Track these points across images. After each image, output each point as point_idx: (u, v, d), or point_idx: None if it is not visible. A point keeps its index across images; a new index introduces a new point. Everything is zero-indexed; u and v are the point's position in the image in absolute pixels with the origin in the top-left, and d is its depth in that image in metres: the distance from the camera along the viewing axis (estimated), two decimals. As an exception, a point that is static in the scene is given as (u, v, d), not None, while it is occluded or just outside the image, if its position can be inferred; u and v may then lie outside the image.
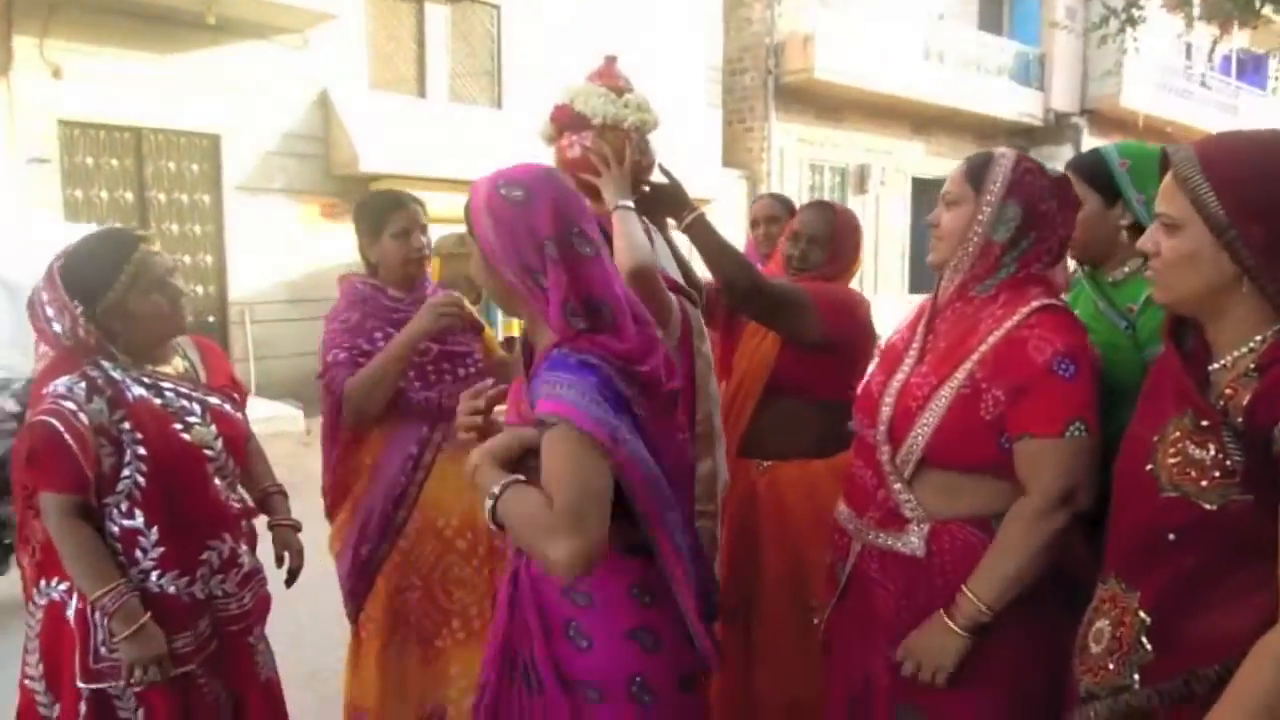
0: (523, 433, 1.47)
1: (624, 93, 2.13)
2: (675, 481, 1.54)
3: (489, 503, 1.42)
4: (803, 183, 14.42)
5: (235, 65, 8.91)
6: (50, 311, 1.89)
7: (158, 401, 1.94)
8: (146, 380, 1.95)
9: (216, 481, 2.01)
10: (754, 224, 3.43)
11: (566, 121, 2.12)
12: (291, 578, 2.25)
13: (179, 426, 1.95)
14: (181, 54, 8.62)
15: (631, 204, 2.04)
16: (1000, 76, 16.49)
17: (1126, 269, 1.95)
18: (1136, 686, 1.32)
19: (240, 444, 2.12)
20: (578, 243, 1.48)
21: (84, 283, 1.89)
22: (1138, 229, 1.94)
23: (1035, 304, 1.65)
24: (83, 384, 1.86)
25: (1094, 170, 1.92)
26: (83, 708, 1.84)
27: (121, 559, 1.87)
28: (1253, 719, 1.16)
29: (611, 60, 2.22)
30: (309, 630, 3.57)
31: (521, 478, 1.44)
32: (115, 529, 1.87)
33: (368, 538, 2.42)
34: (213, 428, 2.01)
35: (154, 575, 1.89)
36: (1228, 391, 1.27)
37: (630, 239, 1.94)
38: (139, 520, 1.88)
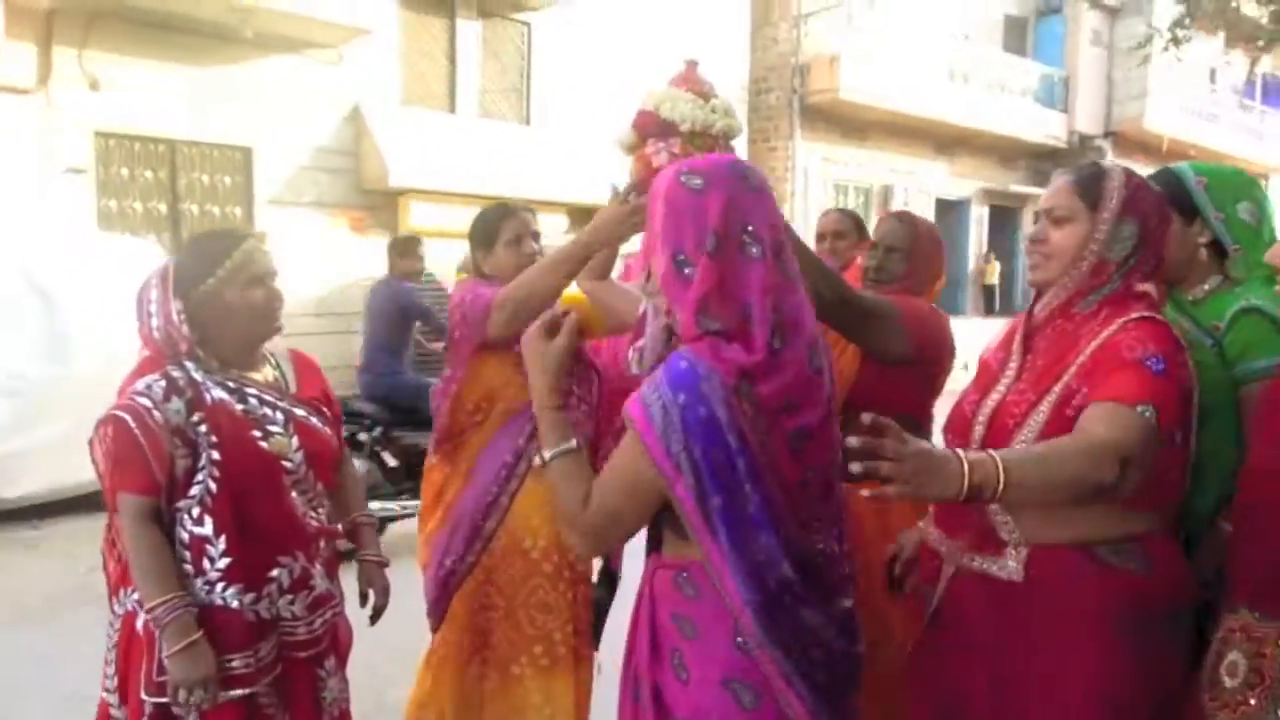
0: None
1: (709, 98, 2.05)
2: (781, 523, 1.39)
3: (544, 454, 1.48)
4: (826, 202, 14.40)
5: (269, 79, 8.97)
6: (152, 306, 1.86)
7: (239, 407, 1.88)
8: (231, 384, 1.90)
9: (293, 495, 1.92)
10: (820, 238, 3.34)
11: (652, 128, 2.04)
12: (375, 616, 2.17)
13: (258, 434, 1.88)
14: (216, 67, 8.68)
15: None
16: (1024, 98, 16.46)
17: (1207, 287, 1.93)
18: None
19: (326, 460, 2.03)
20: (747, 241, 1.42)
21: (187, 274, 1.87)
22: (1216, 247, 1.92)
23: (1136, 314, 1.60)
24: (162, 383, 1.81)
25: (1170, 188, 1.89)
26: None
27: (189, 568, 1.81)
28: None
29: (693, 65, 2.13)
30: (379, 663, 3.23)
31: (574, 445, 1.47)
32: (185, 535, 1.82)
33: (454, 548, 2.36)
34: (294, 439, 1.94)
35: (219, 587, 1.81)
36: None
37: None
38: (208, 528, 1.81)
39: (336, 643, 2.07)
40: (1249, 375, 1.81)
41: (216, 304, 1.88)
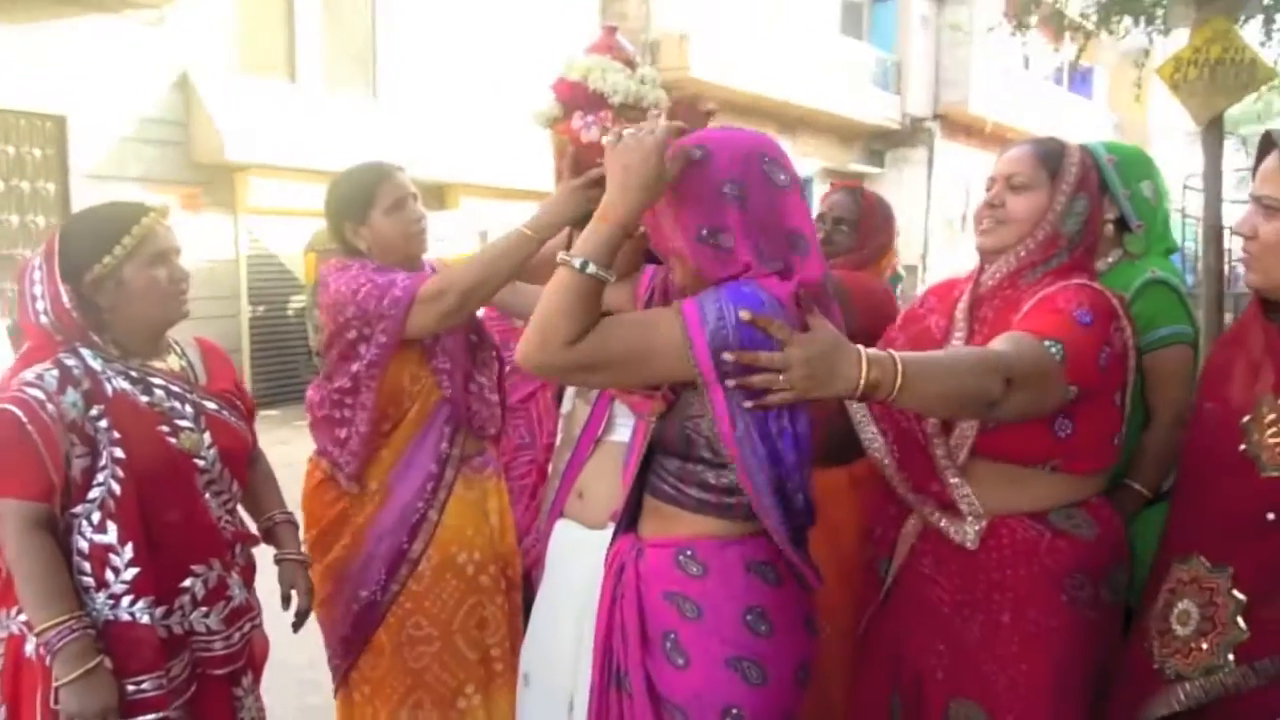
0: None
1: (634, 66, 1.93)
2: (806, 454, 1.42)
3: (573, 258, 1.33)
4: (679, 180, 14.55)
5: (83, 41, 8.15)
6: (37, 289, 1.63)
7: (144, 399, 1.69)
8: (133, 374, 1.70)
9: (207, 497, 1.76)
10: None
11: (580, 100, 1.89)
12: (300, 620, 1.99)
13: (166, 429, 1.70)
14: (22, 26, 7.80)
15: None
16: (861, 80, 17.14)
17: (1110, 260, 2.02)
18: (1231, 666, 1.33)
19: (241, 458, 1.87)
20: (770, 170, 1.41)
21: (78, 250, 1.66)
22: (1118, 222, 2.01)
23: (1076, 280, 1.66)
24: (55, 372, 1.60)
25: None
26: None
27: (89, 580, 1.62)
28: None
29: (611, 30, 1.99)
30: (300, 665, 2.99)
31: (610, 277, 1.35)
32: (84, 545, 1.62)
33: (372, 577, 2.06)
34: (206, 435, 1.76)
35: (125, 601, 1.63)
36: None
37: None
38: (111, 535, 1.62)
39: (253, 657, 1.89)
40: (1155, 343, 1.91)
41: (114, 284, 1.68)
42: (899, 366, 1.31)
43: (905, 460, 1.74)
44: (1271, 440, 1.33)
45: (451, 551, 2.11)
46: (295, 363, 10.04)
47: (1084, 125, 20.85)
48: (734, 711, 1.37)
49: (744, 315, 1.30)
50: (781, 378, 1.28)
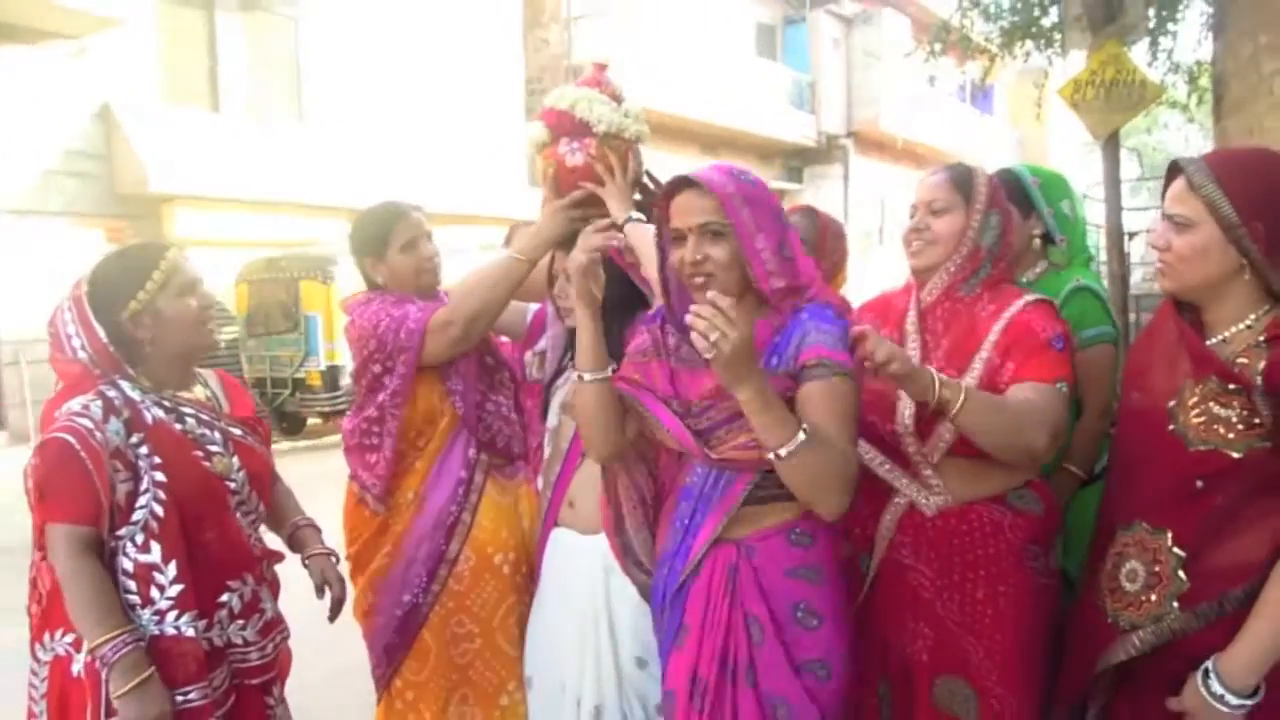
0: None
1: (620, 101, 2.04)
2: None
3: (778, 454, 1.48)
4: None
5: (1, 73, 7.98)
6: (70, 329, 1.72)
7: (178, 427, 1.78)
8: (166, 404, 1.80)
9: (238, 516, 1.85)
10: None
11: (566, 128, 2.00)
12: (336, 608, 2.06)
13: (200, 454, 1.79)
14: (-66, 59, 7.63)
15: (641, 217, 2.03)
16: (778, 101, 17.65)
17: (1037, 270, 2.27)
18: (1176, 613, 1.54)
19: (265, 480, 1.97)
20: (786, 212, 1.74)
21: (112, 290, 1.75)
22: (1044, 237, 2.26)
23: (1028, 298, 1.88)
24: (99, 402, 1.68)
25: (1010, 186, 2.20)
26: None
27: (134, 598, 1.69)
28: None
29: (602, 67, 2.10)
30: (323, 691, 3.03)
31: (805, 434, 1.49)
32: (129, 565, 1.69)
33: (414, 580, 2.13)
34: (235, 459, 1.87)
35: (171, 616, 1.70)
36: (1242, 360, 1.52)
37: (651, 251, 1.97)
38: (155, 554, 1.70)
39: (281, 668, 1.98)
40: (1083, 343, 2.16)
41: (151, 317, 1.78)
42: (964, 391, 1.63)
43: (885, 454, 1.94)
44: (1195, 420, 1.52)
45: (488, 553, 2.18)
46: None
47: (987, 140, 21.82)
48: (854, 649, 1.70)
49: (854, 331, 1.61)
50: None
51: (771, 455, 1.49)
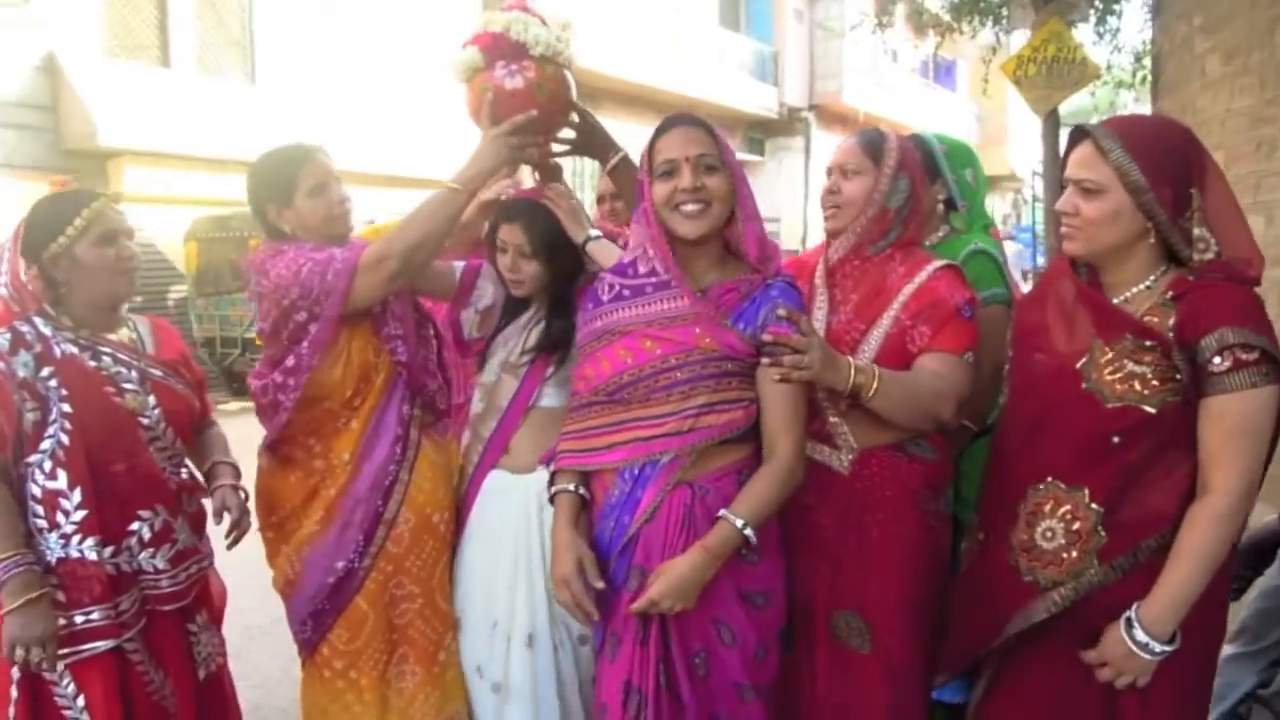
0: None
1: (545, 25, 1.96)
2: None
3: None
4: (567, 168, 14.67)
5: (-62, 21, 7.79)
6: (3, 266, 1.84)
7: (92, 363, 1.88)
8: (83, 341, 1.89)
9: (151, 451, 1.94)
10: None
11: (501, 50, 1.91)
12: (237, 534, 2.08)
13: (112, 390, 1.88)
14: None
15: (601, 234, 2.08)
16: (739, 71, 17.64)
17: (940, 234, 2.36)
18: (1096, 566, 1.62)
19: (184, 420, 2.05)
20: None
21: (38, 231, 1.86)
22: (947, 203, 2.36)
23: (938, 263, 1.98)
24: (8, 335, 1.79)
25: (917, 152, 2.29)
26: (13, 691, 1.76)
27: (42, 522, 1.79)
28: (1198, 569, 1.52)
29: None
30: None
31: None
32: (37, 490, 1.79)
33: (347, 546, 2.03)
34: (151, 398, 1.95)
35: (75, 540, 1.80)
36: (1150, 319, 1.60)
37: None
38: (61, 481, 1.80)
39: (208, 599, 2.09)
40: (980, 303, 2.26)
41: (67, 261, 1.87)
42: (877, 376, 1.73)
43: None
44: (1110, 378, 1.58)
45: (427, 513, 2.11)
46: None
47: (947, 115, 21.99)
48: (787, 578, 1.85)
49: (780, 312, 1.65)
50: (804, 359, 1.61)
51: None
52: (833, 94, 19.12)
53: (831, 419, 1.96)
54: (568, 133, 2.13)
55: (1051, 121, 6.29)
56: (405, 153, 10.91)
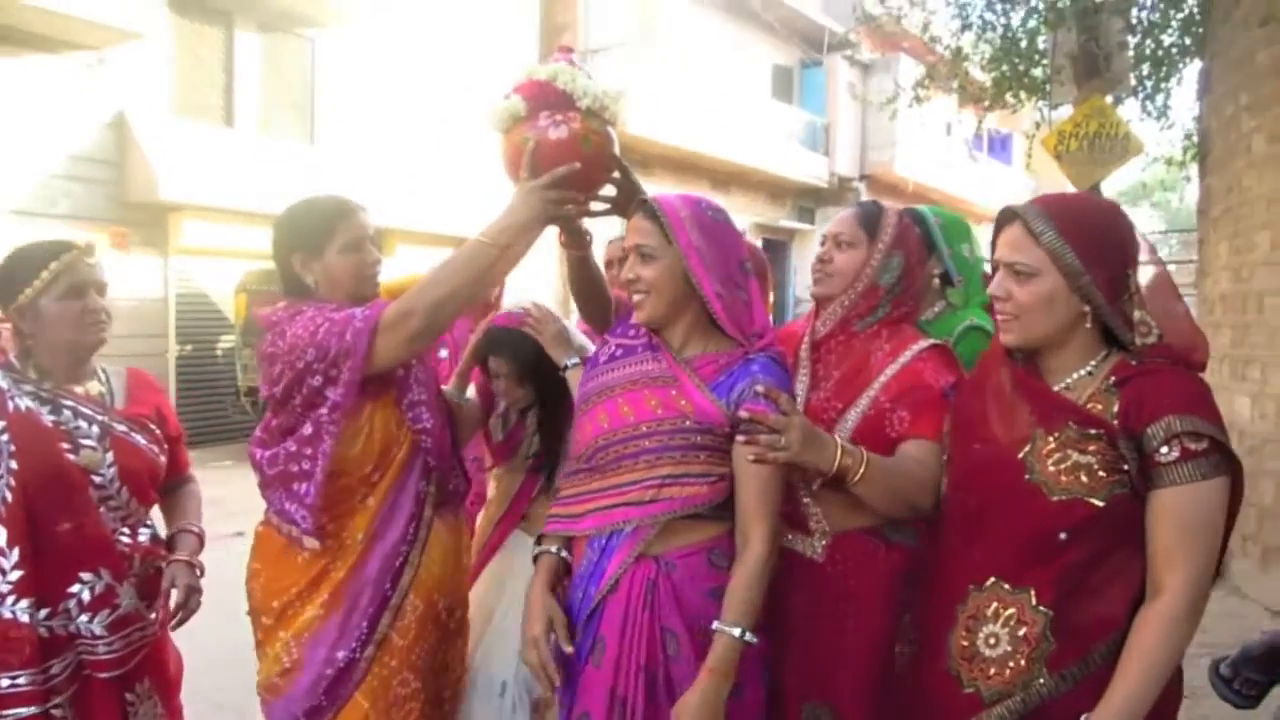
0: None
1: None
2: None
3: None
4: (613, 233, 14.85)
5: (18, 79, 8.20)
6: None
7: (49, 418, 1.85)
8: (44, 394, 1.87)
9: (101, 510, 1.88)
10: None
11: (549, 99, 1.81)
12: (183, 615, 1.98)
13: (66, 446, 1.84)
14: (-47, 63, 7.86)
15: (579, 361, 2.06)
16: (791, 141, 17.79)
17: (936, 309, 2.31)
18: (1046, 676, 1.47)
19: (143, 478, 1.97)
20: (746, 262, 1.81)
21: (6, 282, 1.87)
22: (943, 278, 2.31)
23: (925, 343, 1.91)
24: None
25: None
26: None
27: None
28: (1151, 678, 1.39)
29: (567, 49, 1.94)
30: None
31: None
32: None
33: (350, 635, 1.84)
34: (109, 455, 1.90)
35: (9, 601, 1.75)
36: (1094, 406, 1.50)
37: None
38: (0, 539, 1.75)
39: (155, 667, 1.99)
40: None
41: (32, 313, 1.87)
42: (865, 461, 1.65)
43: None
44: (1053, 469, 1.47)
45: (434, 599, 1.96)
46: (222, 402, 10.02)
47: (1001, 188, 21.86)
48: (766, 667, 1.75)
49: (759, 389, 1.63)
50: (782, 440, 1.55)
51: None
52: (884, 164, 19.17)
53: (804, 500, 1.88)
54: (607, 190, 2.03)
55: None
56: (457, 212, 11.15)
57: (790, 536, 1.90)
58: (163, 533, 2.11)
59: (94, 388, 1.98)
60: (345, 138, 10.91)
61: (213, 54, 9.94)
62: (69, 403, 1.89)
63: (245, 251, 9.49)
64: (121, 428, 1.95)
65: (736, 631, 1.61)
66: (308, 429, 1.80)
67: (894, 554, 1.85)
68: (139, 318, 8.85)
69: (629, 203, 2.00)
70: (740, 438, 1.60)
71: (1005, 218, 1.60)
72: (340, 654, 1.83)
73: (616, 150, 1.92)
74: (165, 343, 9.49)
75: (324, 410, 1.79)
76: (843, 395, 1.90)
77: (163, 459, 2.05)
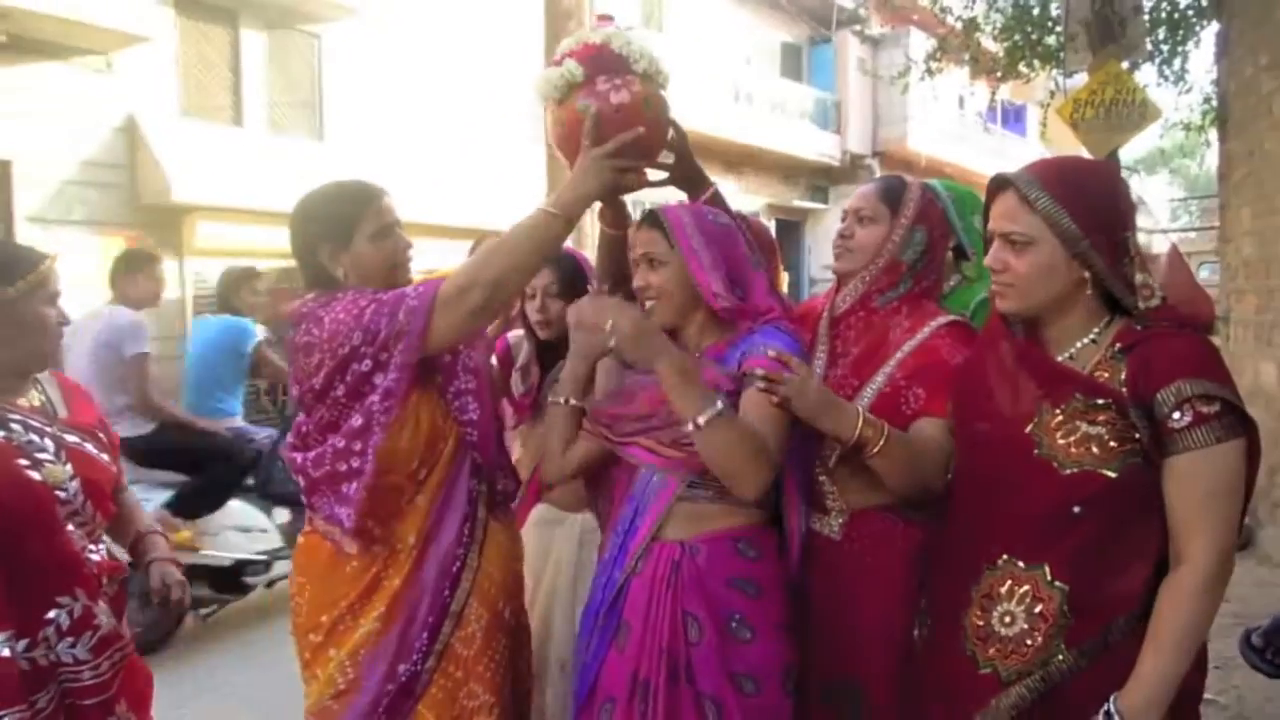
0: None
1: None
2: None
3: (696, 422, 1.57)
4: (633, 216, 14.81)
5: (29, 88, 8.23)
6: None
7: (1, 434, 1.70)
8: None
9: (70, 528, 1.74)
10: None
11: (606, 63, 1.73)
12: (177, 613, 1.98)
13: (25, 463, 1.68)
14: (-36, 72, 7.89)
15: None
16: (802, 120, 17.65)
17: (951, 283, 2.27)
18: (1064, 652, 1.44)
19: (104, 490, 1.85)
20: (751, 254, 1.84)
21: None
22: (957, 251, 2.27)
23: (944, 319, 1.88)
24: None
25: None
26: None
27: None
28: (1181, 651, 1.36)
29: (608, 18, 1.86)
30: None
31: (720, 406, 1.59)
32: None
33: (410, 646, 1.73)
34: (68, 467, 1.76)
35: None
36: (1101, 374, 1.47)
37: None
38: None
39: (129, 686, 1.87)
40: None
41: (9, 317, 1.74)
42: (885, 433, 1.64)
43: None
44: (1062, 442, 1.45)
45: (499, 607, 1.85)
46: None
47: (1016, 159, 21.58)
48: (789, 668, 1.73)
49: (771, 353, 1.68)
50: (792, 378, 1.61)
51: (690, 426, 1.57)
52: (897, 140, 19.00)
53: (820, 478, 1.86)
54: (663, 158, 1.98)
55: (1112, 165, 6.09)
56: (467, 204, 11.14)
57: (809, 513, 1.88)
58: (113, 547, 2.00)
59: (34, 398, 1.84)
60: (354, 132, 10.90)
61: (219, 54, 9.94)
62: (16, 416, 1.75)
63: (260, 250, 9.50)
64: (73, 438, 1.82)
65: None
66: (356, 420, 1.69)
67: (912, 531, 1.83)
68: (157, 320, 8.88)
69: (683, 171, 1.99)
70: (759, 385, 1.62)
71: (997, 185, 1.56)
72: (402, 668, 1.72)
73: (668, 112, 1.85)
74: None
75: (374, 398, 1.67)
76: (860, 372, 1.88)
77: (115, 468, 1.94)
